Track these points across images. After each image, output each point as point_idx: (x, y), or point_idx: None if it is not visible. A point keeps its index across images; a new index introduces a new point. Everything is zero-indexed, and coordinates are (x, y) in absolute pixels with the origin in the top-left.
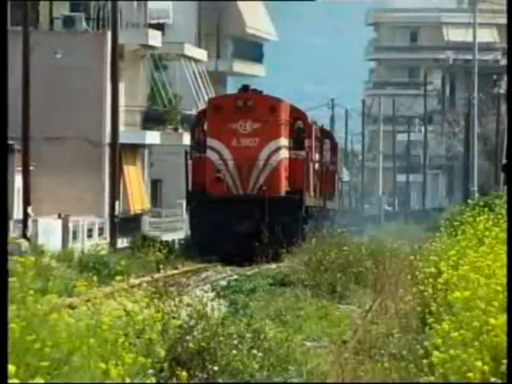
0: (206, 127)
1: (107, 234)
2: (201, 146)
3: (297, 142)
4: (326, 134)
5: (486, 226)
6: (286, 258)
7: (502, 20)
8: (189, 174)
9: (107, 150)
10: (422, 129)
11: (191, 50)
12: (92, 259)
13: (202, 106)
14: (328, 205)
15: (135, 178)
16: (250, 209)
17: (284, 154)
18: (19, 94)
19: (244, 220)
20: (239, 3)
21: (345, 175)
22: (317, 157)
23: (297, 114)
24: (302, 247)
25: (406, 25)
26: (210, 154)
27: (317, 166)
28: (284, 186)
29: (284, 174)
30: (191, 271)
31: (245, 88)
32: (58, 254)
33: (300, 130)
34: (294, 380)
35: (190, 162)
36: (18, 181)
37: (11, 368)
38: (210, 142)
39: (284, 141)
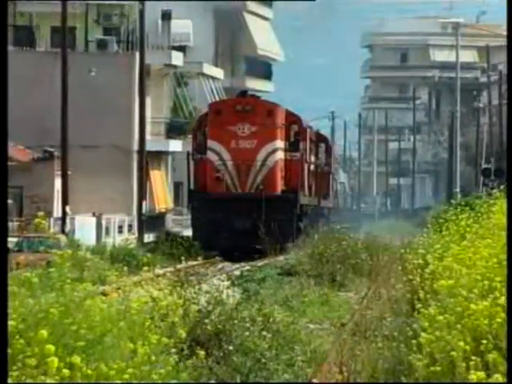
0: (206, 130)
1: (135, 230)
2: (202, 148)
3: (292, 145)
4: (321, 138)
5: (467, 223)
6: (292, 251)
7: (482, 43)
8: (191, 174)
9: (135, 157)
10: (411, 138)
11: (209, 69)
12: (122, 252)
13: None
14: (323, 203)
15: (160, 181)
16: (248, 207)
17: (280, 155)
18: (58, 108)
19: (242, 217)
20: (251, 29)
21: (342, 177)
22: (312, 158)
23: (292, 118)
24: (305, 242)
25: (396, 47)
26: (210, 155)
27: (312, 166)
28: (280, 186)
29: (280, 174)
30: (209, 263)
31: (243, 93)
32: (93, 248)
33: (295, 133)
34: (300, 357)
35: (191, 163)
36: (57, 183)
37: (50, 347)
38: (211, 143)
39: (280, 143)
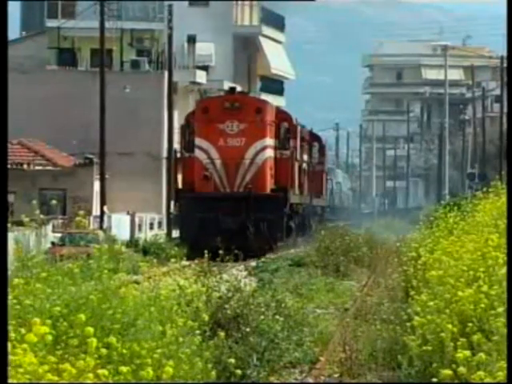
0: (194, 128)
1: (164, 227)
2: (190, 146)
3: (282, 142)
4: (314, 137)
5: (454, 221)
6: (301, 245)
7: (467, 63)
8: (178, 173)
9: (164, 163)
10: (406, 146)
11: (228, 86)
12: (153, 246)
13: None
14: (315, 202)
15: None
16: (237, 206)
17: (269, 153)
18: (97, 120)
19: (231, 217)
20: (266, 51)
21: (341, 178)
22: (304, 157)
23: (282, 116)
24: (313, 237)
25: (393, 66)
26: (198, 153)
27: (304, 165)
28: (269, 184)
29: (269, 173)
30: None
31: (232, 90)
32: (127, 242)
33: (285, 130)
34: (308, 338)
35: (180, 161)
36: (96, 186)
37: (90, 329)
38: (198, 141)
39: (269, 141)
